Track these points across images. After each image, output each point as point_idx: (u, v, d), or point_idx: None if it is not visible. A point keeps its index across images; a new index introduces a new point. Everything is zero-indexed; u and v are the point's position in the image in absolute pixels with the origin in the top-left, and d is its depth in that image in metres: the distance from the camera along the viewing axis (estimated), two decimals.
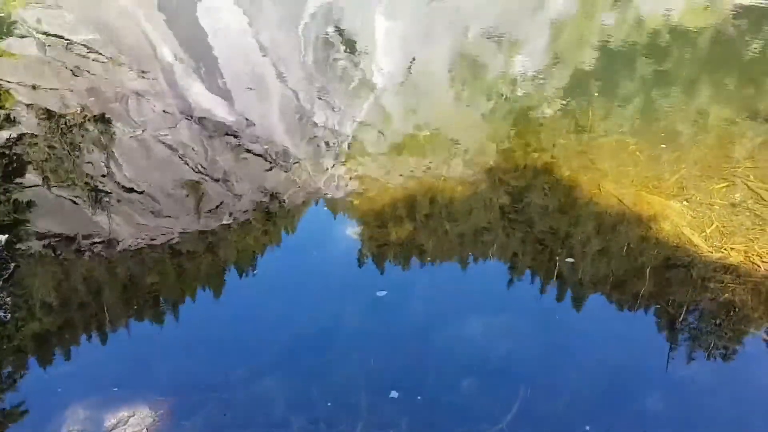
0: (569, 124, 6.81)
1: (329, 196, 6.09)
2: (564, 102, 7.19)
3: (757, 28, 8.54)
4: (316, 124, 7.06)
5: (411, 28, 8.85)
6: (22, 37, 7.82)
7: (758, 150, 6.20)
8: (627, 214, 5.50)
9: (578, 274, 5.06)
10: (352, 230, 5.67)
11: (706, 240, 5.14)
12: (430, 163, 6.42)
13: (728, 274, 4.83)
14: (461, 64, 8.17)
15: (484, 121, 7.18)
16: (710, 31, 8.46)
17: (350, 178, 6.29)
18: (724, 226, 5.26)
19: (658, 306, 4.73)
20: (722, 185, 5.75)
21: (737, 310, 4.57)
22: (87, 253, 5.34)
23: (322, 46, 8.34)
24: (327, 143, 6.78)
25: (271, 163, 6.53)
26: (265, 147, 6.69)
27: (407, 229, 5.62)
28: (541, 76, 7.72)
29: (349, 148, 6.73)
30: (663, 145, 6.31)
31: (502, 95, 7.50)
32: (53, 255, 5.28)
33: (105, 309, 4.76)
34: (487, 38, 8.44)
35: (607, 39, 8.48)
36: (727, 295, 4.67)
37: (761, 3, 8.94)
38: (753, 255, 4.95)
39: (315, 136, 6.89)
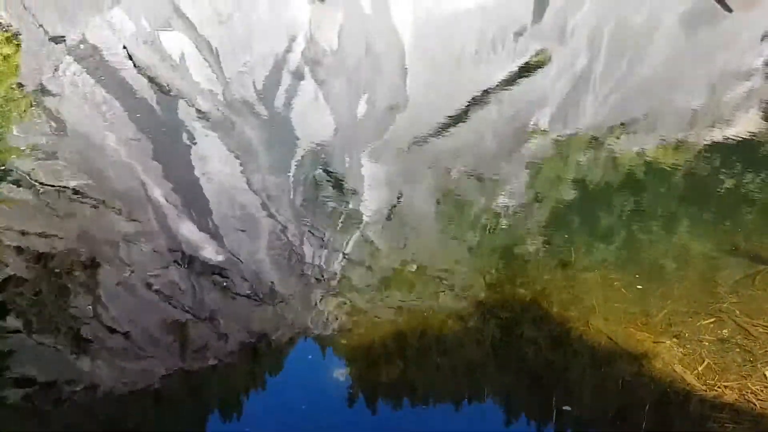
0: (553, 258, 6.92)
1: (317, 333, 6.06)
2: (546, 237, 7.34)
3: (728, 163, 8.94)
4: (304, 261, 7.12)
5: (395, 168, 9.19)
6: (16, 183, 7.99)
7: (741, 285, 6.29)
8: (618, 351, 5.48)
9: (574, 414, 5.00)
10: (341, 371, 5.60)
11: (698, 378, 5.11)
12: (418, 296, 6.45)
13: (725, 413, 4.77)
14: (445, 201, 8.41)
15: (470, 255, 7.30)
16: (683, 167, 8.82)
17: (338, 314, 6.28)
18: (715, 363, 5.25)
19: None
20: (709, 321, 5.78)
21: None
22: (67, 400, 5.20)
23: (310, 187, 8.59)
24: (315, 279, 6.82)
25: (258, 301, 6.52)
26: (253, 285, 6.71)
27: (398, 368, 5.58)
28: (523, 212, 7.94)
29: (337, 283, 6.77)
30: (646, 282, 6.40)
31: (487, 230, 7.67)
32: (31, 403, 5.13)
33: None
34: (469, 177, 8.75)
35: (583, 176, 8.81)
36: None
37: (730, 139, 9.41)
38: (748, 393, 4.92)
39: (303, 273, 6.94)
